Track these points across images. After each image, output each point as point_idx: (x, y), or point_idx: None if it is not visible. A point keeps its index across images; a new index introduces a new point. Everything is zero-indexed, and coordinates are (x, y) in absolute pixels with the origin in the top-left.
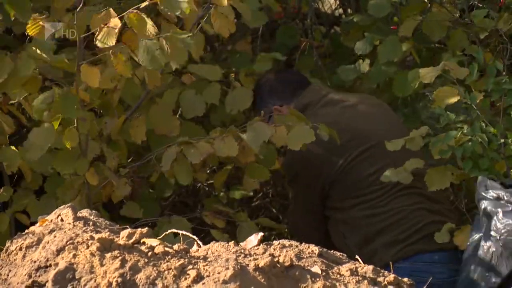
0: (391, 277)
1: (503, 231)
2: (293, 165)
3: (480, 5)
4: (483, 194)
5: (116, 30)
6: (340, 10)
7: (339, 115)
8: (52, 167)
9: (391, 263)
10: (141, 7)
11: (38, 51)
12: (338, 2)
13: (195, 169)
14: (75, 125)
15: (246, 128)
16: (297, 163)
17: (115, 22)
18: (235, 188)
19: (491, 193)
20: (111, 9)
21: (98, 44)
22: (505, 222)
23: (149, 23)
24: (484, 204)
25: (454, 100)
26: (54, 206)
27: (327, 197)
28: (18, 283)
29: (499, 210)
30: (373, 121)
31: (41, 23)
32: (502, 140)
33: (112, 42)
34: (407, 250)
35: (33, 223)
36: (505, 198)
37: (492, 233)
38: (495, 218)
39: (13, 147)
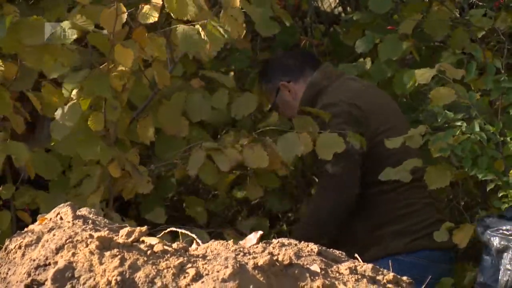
0: (390, 275)
1: None
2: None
3: (480, 4)
4: (490, 232)
5: (158, 9)
6: (340, 9)
7: (363, 91)
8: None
9: (390, 261)
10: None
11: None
12: (337, 1)
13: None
14: (103, 110)
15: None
16: None
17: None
18: (239, 188)
19: (497, 229)
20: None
21: (141, 19)
22: None
23: (191, 4)
24: (495, 241)
25: (450, 100)
26: (64, 199)
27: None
28: (17, 282)
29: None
30: (389, 105)
31: None
32: (501, 139)
33: (155, 18)
34: (414, 245)
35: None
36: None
37: (508, 266)
38: (509, 252)
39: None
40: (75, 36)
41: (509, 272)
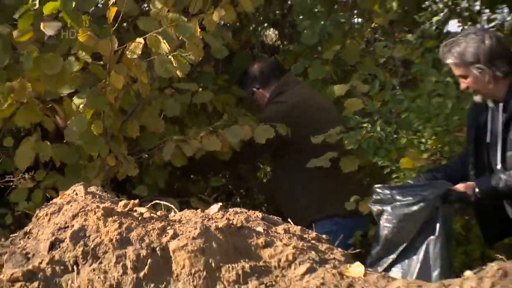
0: (313, 234)
1: (393, 220)
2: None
3: (382, 38)
4: (375, 197)
5: (141, 46)
6: (279, 42)
7: (311, 95)
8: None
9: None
10: (159, 31)
11: (84, 57)
12: (277, 36)
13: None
14: (102, 118)
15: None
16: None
17: (140, 40)
18: (213, 180)
19: (380, 195)
20: (113, 36)
21: (128, 55)
22: (394, 213)
23: (164, 44)
24: (374, 208)
25: (359, 107)
26: (75, 183)
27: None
28: (44, 239)
29: (388, 207)
30: (325, 109)
31: (89, 33)
32: (395, 136)
33: (139, 52)
34: (332, 211)
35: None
36: (391, 196)
37: (385, 224)
38: (384, 214)
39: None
40: (77, 67)
41: (386, 228)
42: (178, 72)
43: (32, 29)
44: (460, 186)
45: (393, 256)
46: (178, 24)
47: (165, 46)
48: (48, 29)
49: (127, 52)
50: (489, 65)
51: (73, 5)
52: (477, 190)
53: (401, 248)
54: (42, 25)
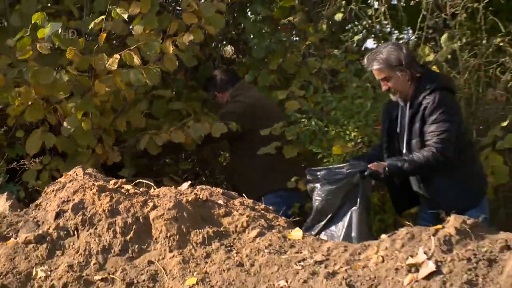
0: (262, 205)
1: (322, 195)
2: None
3: (315, 53)
4: (308, 177)
5: (117, 61)
6: (235, 56)
7: (259, 99)
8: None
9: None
10: (132, 48)
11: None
12: (233, 51)
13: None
14: (90, 117)
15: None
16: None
17: (116, 56)
18: (182, 163)
19: (312, 176)
20: (103, 54)
21: (107, 66)
22: (322, 189)
23: (137, 59)
24: (308, 185)
25: (297, 107)
26: (74, 166)
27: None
28: (51, 210)
29: (318, 184)
30: (272, 109)
31: (75, 51)
32: (326, 129)
33: (115, 66)
34: (278, 187)
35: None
36: (320, 176)
37: (316, 197)
38: (315, 190)
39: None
40: (67, 78)
41: (316, 201)
42: (147, 81)
43: (31, 49)
44: (373, 165)
45: (323, 223)
46: (147, 43)
47: (137, 61)
48: (42, 49)
49: (107, 66)
50: (409, 66)
51: (60, 31)
52: (386, 169)
53: (329, 217)
54: (38, 45)
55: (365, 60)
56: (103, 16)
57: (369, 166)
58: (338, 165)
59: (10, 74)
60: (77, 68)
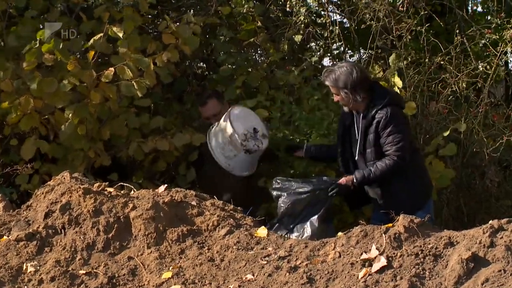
0: (231, 206)
1: (288, 203)
2: None
3: (276, 70)
4: (274, 185)
5: (112, 73)
6: (206, 72)
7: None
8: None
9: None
10: (124, 63)
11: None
12: (205, 68)
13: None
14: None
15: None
16: None
17: (111, 69)
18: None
19: (279, 185)
20: (92, 70)
21: (103, 79)
22: (288, 198)
23: (128, 71)
24: (273, 192)
25: (265, 116)
26: (63, 171)
27: None
28: (41, 211)
29: (285, 193)
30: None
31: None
32: (291, 137)
33: (110, 78)
34: None
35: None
36: (286, 186)
37: (281, 204)
38: (281, 198)
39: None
40: (69, 87)
41: (281, 207)
42: (138, 92)
43: (36, 61)
44: (343, 180)
45: (290, 227)
46: (139, 60)
47: (129, 74)
48: (47, 61)
49: (102, 78)
50: (353, 91)
51: (61, 45)
52: (355, 181)
53: (295, 222)
54: (43, 58)
55: (322, 74)
56: (95, 37)
57: (339, 181)
58: (305, 180)
59: (16, 83)
60: (78, 78)
